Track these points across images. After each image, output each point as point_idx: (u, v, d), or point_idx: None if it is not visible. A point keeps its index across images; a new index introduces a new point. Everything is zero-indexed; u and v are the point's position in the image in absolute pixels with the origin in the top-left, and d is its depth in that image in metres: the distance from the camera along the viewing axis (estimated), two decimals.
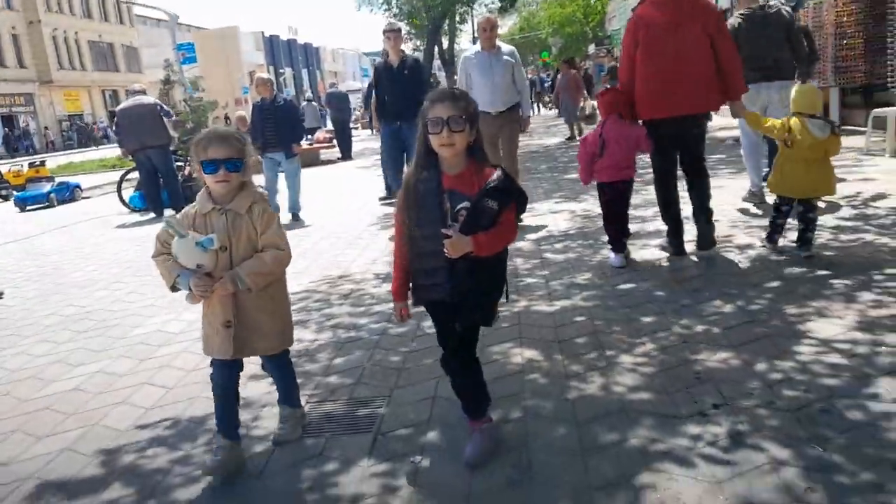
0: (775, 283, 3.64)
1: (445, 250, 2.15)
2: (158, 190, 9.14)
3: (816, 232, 4.06)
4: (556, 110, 17.69)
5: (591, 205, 6.16)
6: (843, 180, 5.54)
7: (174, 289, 2.32)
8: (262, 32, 59.14)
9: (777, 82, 5.21)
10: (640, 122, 4.17)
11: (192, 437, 2.70)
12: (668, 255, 4.36)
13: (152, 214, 9.01)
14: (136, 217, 9.29)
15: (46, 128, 41.85)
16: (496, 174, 2.21)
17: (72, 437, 2.78)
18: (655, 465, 2.12)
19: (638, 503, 1.96)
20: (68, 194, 12.52)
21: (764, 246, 4.27)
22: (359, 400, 2.86)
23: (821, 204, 4.47)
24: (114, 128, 11.15)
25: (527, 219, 5.84)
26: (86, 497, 2.35)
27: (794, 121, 3.89)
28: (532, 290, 4.04)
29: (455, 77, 5.92)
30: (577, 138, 12.65)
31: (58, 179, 13.44)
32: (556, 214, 6.17)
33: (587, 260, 4.58)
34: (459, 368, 2.35)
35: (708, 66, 3.95)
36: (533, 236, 5.43)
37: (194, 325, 3.70)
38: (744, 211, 5.40)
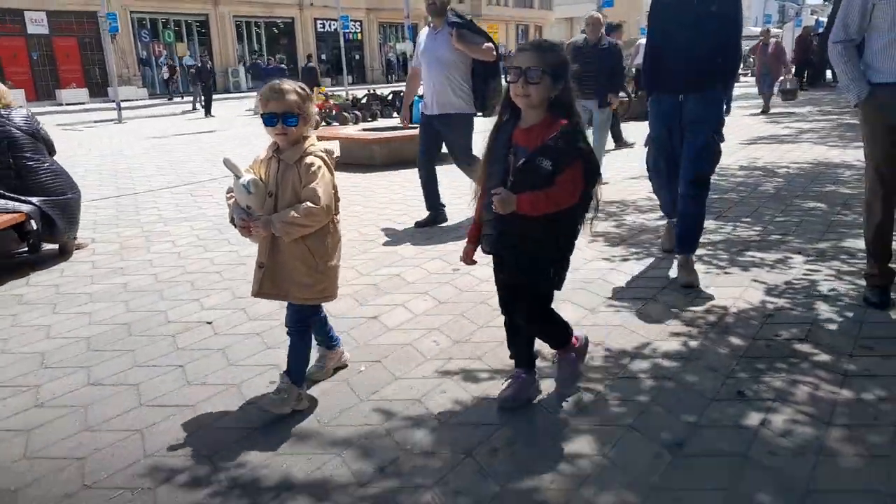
0: None
1: (493, 205, 2.20)
2: None
3: None
4: None
5: None
6: None
7: (233, 223, 2.48)
8: None
9: None
10: None
11: None
12: None
13: None
14: None
15: None
16: (557, 132, 2.18)
17: None
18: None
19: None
20: None
21: None
22: None
23: None
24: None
25: None
26: None
27: None
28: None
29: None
30: None
31: None
32: None
33: None
34: (510, 326, 2.56)
35: None
36: None
37: None
38: None
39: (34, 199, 4.77)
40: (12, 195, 4.72)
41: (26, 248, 5.15)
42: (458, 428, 2.43)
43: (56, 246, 5.14)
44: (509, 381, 2.61)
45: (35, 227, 4.82)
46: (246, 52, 35.15)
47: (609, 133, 7.57)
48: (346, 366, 2.94)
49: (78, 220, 5.18)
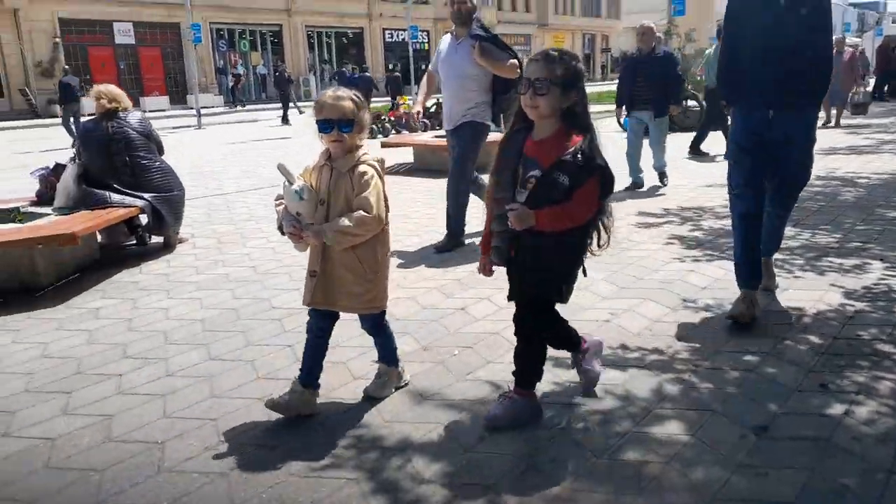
0: None
1: (509, 221, 2.21)
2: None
3: None
4: None
5: None
6: None
7: (281, 231, 2.46)
8: None
9: None
10: None
11: None
12: None
13: None
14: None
15: None
16: (575, 146, 2.17)
17: None
18: None
19: None
20: None
21: None
22: None
23: None
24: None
25: None
26: None
27: None
28: None
29: None
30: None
31: None
32: None
33: None
34: (520, 334, 2.48)
35: None
36: None
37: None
38: None
39: (146, 195, 5.20)
40: (129, 191, 5.16)
41: (134, 241, 5.62)
42: (552, 406, 2.62)
43: (161, 239, 5.57)
44: (501, 398, 2.54)
45: (147, 220, 5.26)
46: (316, 60, 36.19)
47: (665, 140, 7.39)
48: (406, 384, 2.86)
49: (182, 215, 5.60)
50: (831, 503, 2.00)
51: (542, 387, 2.77)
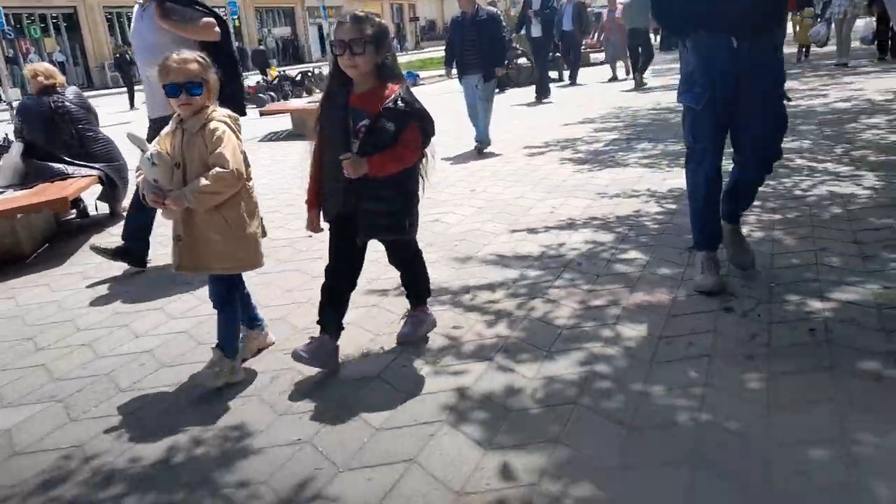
0: None
1: (345, 171, 2.30)
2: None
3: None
4: None
5: None
6: None
7: (144, 200, 2.42)
8: None
9: None
10: None
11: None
12: None
13: None
14: None
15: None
16: (395, 94, 2.33)
17: None
18: None
19: None
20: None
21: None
22: None
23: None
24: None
25: None
26: None
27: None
28: None
29: None
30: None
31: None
32: None
33: None
34: (398, 266, 2.71)
35: None
36: None
37: None
38: None
39: (97, 165, 5.49)
40: (80, 162, 5.42)
41: (75, 215, 5.84)
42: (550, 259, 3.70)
43: (105, 211, 5.83)
44: (310, 342, 2.60)
45: (102, 189, 5.56)
46: (120, 43, 33.90)
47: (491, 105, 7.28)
48: (271, 344, 2.87)
49: (129, 183, 5.91)
50: None
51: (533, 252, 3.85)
